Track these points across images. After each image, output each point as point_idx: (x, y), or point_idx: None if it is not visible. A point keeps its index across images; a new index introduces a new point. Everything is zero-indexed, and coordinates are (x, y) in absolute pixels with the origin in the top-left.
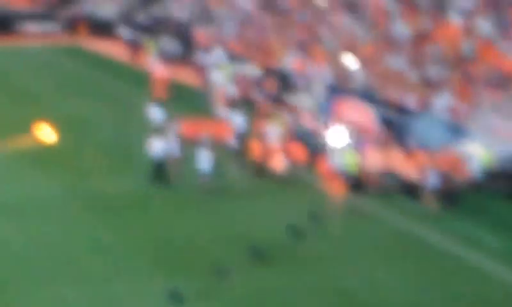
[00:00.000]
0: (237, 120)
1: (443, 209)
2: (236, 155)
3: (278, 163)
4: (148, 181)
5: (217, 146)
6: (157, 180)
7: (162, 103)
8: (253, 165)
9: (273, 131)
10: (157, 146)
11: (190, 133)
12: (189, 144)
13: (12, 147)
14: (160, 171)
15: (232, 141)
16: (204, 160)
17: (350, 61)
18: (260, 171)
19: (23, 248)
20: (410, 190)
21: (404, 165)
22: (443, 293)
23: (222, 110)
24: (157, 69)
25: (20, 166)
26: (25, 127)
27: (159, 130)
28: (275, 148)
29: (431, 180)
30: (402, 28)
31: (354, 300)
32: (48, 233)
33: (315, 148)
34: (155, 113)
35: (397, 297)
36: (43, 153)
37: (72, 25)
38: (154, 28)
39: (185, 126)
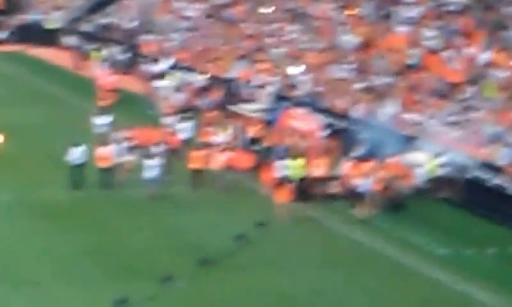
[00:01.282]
0: (184, 128)
1: (386, 215)
2: (182, 162)
3: (216, 163)
4: (69, 189)
5: (165, 154)
6: (76, 186)
7: (106, 110)
8: (193, 174)
9: (219, 139)
10: (75, 153)
11: (139, 140)
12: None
13: None
14: (77, 177)
15: (179, 149)
16: (152, 168)
17: (296, 70)
18: (198, 179)
19: None
20: (353, 196)
21: (348, 173)
22: (383, 298)
23: (168, 119)
24: (102, 76)
25: None
26: None
27: (103, 137)
28: (219, 156)
29: (365, 185)
30: (348, 37)
31: (297, 305)
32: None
33: (260, 155)
34: (99, 120)
35: (338, 301)
36: None
37: (18, 34)
38: (100, 36)
39: (133, 134)
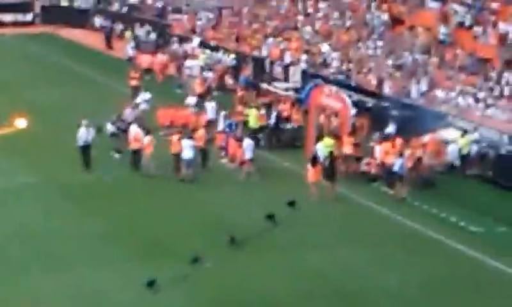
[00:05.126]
0: (210, 108)
1: (418, 192)
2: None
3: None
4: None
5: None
6: (86, 165)
7: (138, 90)
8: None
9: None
10: (82, 135)
11: (166, 121)
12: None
13: None
14: (86, 156)
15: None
16: (190, 149)
17: (326, 48)
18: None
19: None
20: (386, 174)
21: (380, 151)
22: (420, 277)
23: (197, 99)
24: (133, 56)
25: None
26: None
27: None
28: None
29: (403, 165)
30: (378, 14)
31: (331, 285)
32: (25, 222)
33: (290, 134)
34: (138, 100)
35: (373, 281)
36: (16, 142)
37: (46, 15)
38: (130, 16)
39: (161, 115)
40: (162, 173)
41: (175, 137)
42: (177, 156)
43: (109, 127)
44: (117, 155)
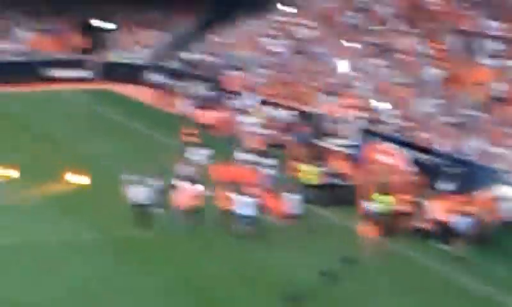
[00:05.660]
0: (268, 165)
1: (475, 251)
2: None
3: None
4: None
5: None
6: (141, 224)
7: (193, 145)
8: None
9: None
10: (136, 192)
11: (221, 177)
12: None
13: (44, 191)
14: (143, 215)
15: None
16: (247, 205)
17: (382, 105)
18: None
19: (60, 293)
20: (442, 232)
21: (436, 208)
22: None
23: (252, 155)
24: (188, 112)
25: (51, 211)
26: (56, 171)
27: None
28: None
29: (462, 223)
30: (433, 71)
31: None
32: (86, 279)
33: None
34: (193, 156)
35: None
36: (72, 197)
37: (103, 72)
38: (185, 72)
39: (215, 171)
40: (214, 227)
41: (226, 193)
42: (228, 212)
43: (156, 182)
44: (164, 211)
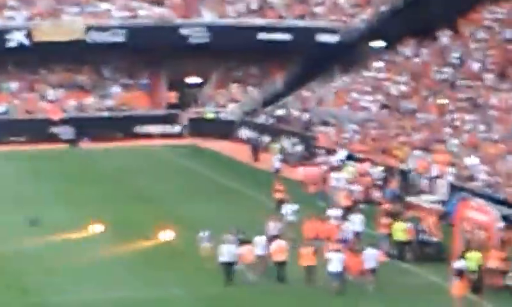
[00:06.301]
0: (356, 221)
1: None
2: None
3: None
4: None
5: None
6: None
7: (284, 202)
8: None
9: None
10: (225, 250)
11: (312, 234)
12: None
13: (134, 248)
14: (229, 272)
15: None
16: (337, 262)
17: (473, 161)
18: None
19: None
20: None
21: None
22: None
23: (343, 212)
24: (279, 168)
25: (142, 267)
26: (146, 228)
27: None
28: None
29: None
30: None
31: None
32: None
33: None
34: (284, 212)
35: None
36: (163, 254)
37: (193, 127)
38: (276, 128)
39: (307, 227)
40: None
41: (307, 250)
42: (310, 268)
43: (231, 239)
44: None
